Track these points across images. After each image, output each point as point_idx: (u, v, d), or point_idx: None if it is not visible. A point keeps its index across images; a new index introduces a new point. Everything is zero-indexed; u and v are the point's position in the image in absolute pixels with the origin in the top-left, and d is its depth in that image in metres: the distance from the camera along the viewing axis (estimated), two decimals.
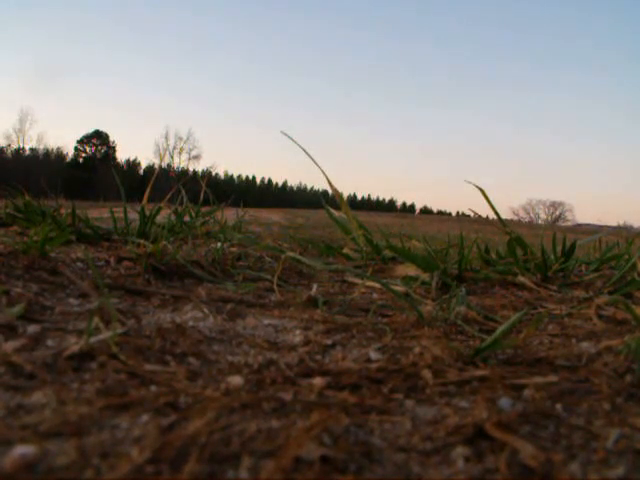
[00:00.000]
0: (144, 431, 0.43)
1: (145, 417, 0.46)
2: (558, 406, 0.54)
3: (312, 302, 1.05)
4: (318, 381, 0.58)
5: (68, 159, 51.82)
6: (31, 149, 48.27)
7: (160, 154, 52.67)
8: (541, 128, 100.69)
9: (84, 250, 1.34)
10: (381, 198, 79.58)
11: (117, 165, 51.75)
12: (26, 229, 1.75)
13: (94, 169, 46.48)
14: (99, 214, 2.43)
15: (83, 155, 52.36)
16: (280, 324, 0.87)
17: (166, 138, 51.89)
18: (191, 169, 52.08)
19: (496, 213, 1.62)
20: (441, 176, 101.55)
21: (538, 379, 0.60)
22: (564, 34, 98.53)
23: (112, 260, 1.26)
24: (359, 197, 77.86)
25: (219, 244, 1.55)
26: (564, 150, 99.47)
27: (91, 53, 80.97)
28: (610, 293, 1.30)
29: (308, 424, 0.45)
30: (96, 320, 0.70)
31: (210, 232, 2.17)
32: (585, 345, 0.78)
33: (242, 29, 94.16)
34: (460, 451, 0.44)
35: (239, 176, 69.17)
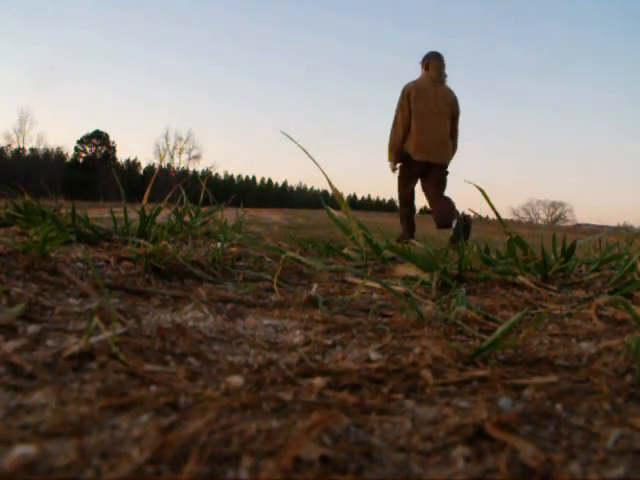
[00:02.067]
0: (144, 431, 0.43)
1: (145, 417, 0.46)
2: (558, 406, 0.54)
3: (312, 302, 1.05)
4: (318, 381, 0.58)
5: (68, 159, 51.84)
6: (31, 149, 48.32)
7: (160, 154, 52.67)
8: (541, 128, 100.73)
9: (84, 250, 1.34)
10: (381, 198, 79.61)
11: (117, 165, 51.75)
12: (26, 229, 1.75)
13: (94, 169, 46.48)
14: (99, 214, 2.44)
15: (83, 155, 52.38)
16: (280, 324, 0.87)
17: (166, 138, 51.91)
18: (191, 169, 52.09)
19: (496, 213, 1.62)
20: None
21: (538, 379, 0.60)
22: (564, 31, 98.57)
23: (112, 260, 1.26)
24: (359, 197, 77.87)
25: (219, 244, 1.55)
26: (565, 150, 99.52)
27: (91, 53, 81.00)
28: (610, 293, 1.30)
29: (308, 424, 0.45)
30: (96, 320, 0.70)
31: (210, 232, 2.17)
32: (585, 345, 0.78)
33: (242, 28, 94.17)
34: (460, 451, 0.44)
35: (239, 176, 69.20)
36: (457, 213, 4.05)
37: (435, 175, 4.20)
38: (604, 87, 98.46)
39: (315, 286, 1.20)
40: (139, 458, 0.38)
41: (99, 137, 52.85)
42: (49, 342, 0.64)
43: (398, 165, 4.30)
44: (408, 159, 4.17)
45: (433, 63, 4.27)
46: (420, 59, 4.36)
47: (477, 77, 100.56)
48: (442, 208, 4.07)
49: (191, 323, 0.82)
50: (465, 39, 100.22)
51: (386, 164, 4.36)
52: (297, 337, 0.79)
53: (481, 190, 1.59)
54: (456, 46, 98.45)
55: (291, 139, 1.51)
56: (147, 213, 1.81)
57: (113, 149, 53.34)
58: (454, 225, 3.84)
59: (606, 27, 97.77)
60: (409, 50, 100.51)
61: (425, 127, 4.09)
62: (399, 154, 4.20)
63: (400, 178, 4.27)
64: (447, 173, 4.31)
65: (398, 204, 4.35)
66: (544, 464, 0.41)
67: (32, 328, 0.68)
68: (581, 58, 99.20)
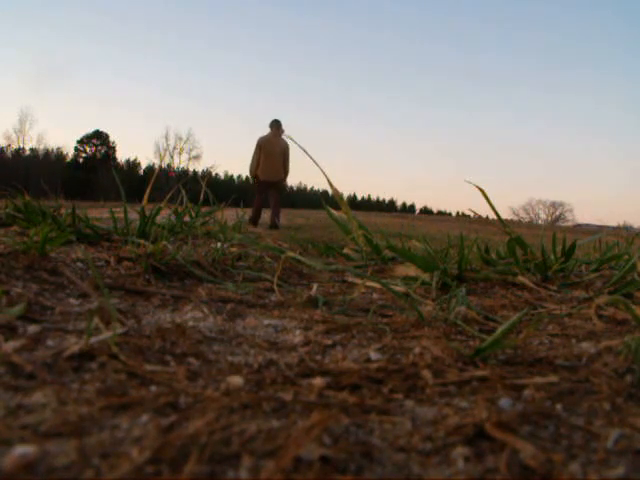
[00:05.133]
0: (144, 431, 0.43)
1: (145, 417, 0.46)
2: (558, 406, 0.54)
3: (312, 302, 1.05)
4: (318, 381, 0.58)
5: (68, 159, 51.79)
6: (31, 149, 48.24)
7: (160, 154, 52.52)
8: (541, 128, 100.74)
9: (84, 250, 1.34)
10: (381, 198, 79.58)
11: (117, 165, 51.69)
12: (26, 229, 1.75)
13: (94, 169, 46.44)
14: (99, 214, 2.43)
15: (83, 155, 52.34)
16: (280, 324, 0.87)
17: (166, 138, 51.81)
18: (191, 169, 52.05)
19: (496, 213, 1.62)
20: (441, 176, 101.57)
21: (538, 379, 0.60)
22: (565, 33, 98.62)
23: (112, 260, 1.26)
24: (359, 197, 77.83)
25: (219, 244, 1.55)
26: (565, 150, 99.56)
27: (91, 53, 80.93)
28: (610, 293, 1.30)
29: (308, 424, 0.45)
30: (96, 320, 0.70)
31: (210, 232, 2.18)
32: (585, 345, 0.78)
33: (242, 29, 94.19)
34: (460, 451, 0.44)
35: (239, 176, 69.07)
36: (279, 213, 7.66)
37: (273, 189, 7.70)
38: (605, 86, 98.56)
39: (315, 286, 1.20)
40: (139, 458, 0.38)
41: (99, 137, 52.79)
42: (49, 342, 0.64)
43: (256, 182, 7.72)
44: (259, 179, 7.61)
45: (275, 126, 7.65)
46: (269, 123, 7.75)
47: (479, 81, 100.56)
48: (275, 212, 7.59)
49: (191, 323, 0.82)
50: (471, 46, 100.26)
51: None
52: (297, 337, 0.79)
53: (481, 190, 1.59)
54: (461, 53, 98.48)
55: (291, 139, 1.51)
56: (147, 213, 1.82)
57: (113, 149, 53.30)
58: (277, 221, 7.29)
59: (604, 33, 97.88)
60: (411, 60, 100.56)
61: (267, 162, 7.54)
62: (255, 176, 7.64)
63: (257, 189, 7.72)
64: (279, 188, 7.82)
65: (255, 203, 7.83)
66: (544, 464, 0.41)
67: (32, 328, 0.68)
68: (581, 61, 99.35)
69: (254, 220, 7.58)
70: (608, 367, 0.65)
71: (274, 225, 7.11)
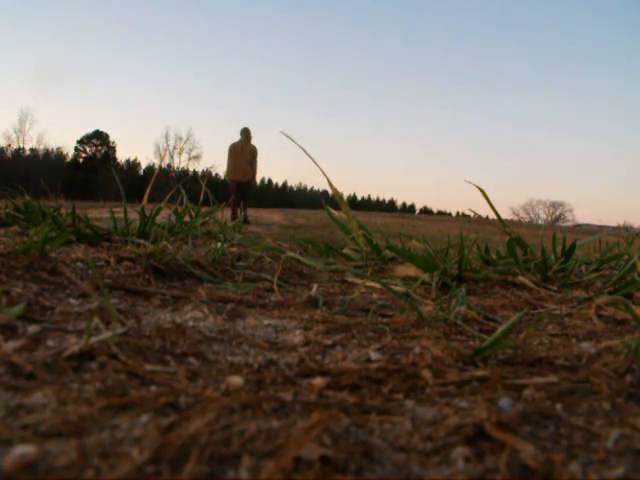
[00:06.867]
0: (144, 431, 0.43)
1: (145, 417, 0.46)
2: (558, 406, 0.54)
3: (312, 302, 1.05)
4: (318, 381, 0.58)
5: (68, 159, 51.76)
6: (31, 149, 48.20)
7: (160, 154, 52.40)
8: (541, 128, 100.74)
9: (84, 250, 1.34)
10: (381, 198, 79.55)
11: (117, 165, 51.66)
12: (26, 229, 1.75)
13: (94, 169, 46.39)
14: (99, 214, 2.43)
15: (83, 155, 52.31)
16: (280, 324, 0.87)
17: (166, 138, 51.72)
18: (191, 169, 51.99)
19: (496, 213, 1.62)
20: (441, 176, 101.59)
21: (538, 379, 0.60)
22: (563, 34, 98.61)
23: (112, 260, 1.26)
24: (359, 197, 77.79)
25: (219, 244, 1.55)
26: (564, 150, 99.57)
27: (91, 53, 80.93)
28: (610, 293, 1.30)
29: (308, 424, 0.45)
30: (96, 320, 0.70)
31: (210, 232, 2.18)
32: (585, 345, 0.78)
33: (241, 29, 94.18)
34: (460, 451, 0.44)
35: None
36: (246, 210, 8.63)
37: (242, 187, 9.15)
38: (604, 87, 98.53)
39: (315, 286, 1.20)
40: (139, 458, 0.38)
41: (99, 137, 52.75)
42: (49, 342, 0.64)
43: (230, 181, 9.24)
44: (230, 178, 9.14)
45: (244, 134, 9.21)
46: (239, 130, 9.36)
47: (479, 82, 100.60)
48: (244, 208, 8.49)
49: (191, 323, 0.82)
50: (472, 47, 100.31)
51: None
52: (297, 337, 0.79)
53: (481, 190, 1.59)
54: (465, 57, 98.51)
55: (291, 139, 1.51)
56: (147, 213, 1.82)
57: (113, 149, 53.26)
58: (246, 216, 8.12)
59: (602, 35, 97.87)
60: (410, 60, 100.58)
61: (236, 164, 9.06)
62: (229, 176, 9.18)
63: (232, 188, 9.11)
64: (248, 186, 9.26)
65: (231, 201, 9.03)
66: (544, 464, 0.41)
67: (32, 328, 0.68)
68: (581, 61, 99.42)
69: (233, 216, 8.65)
70: (608, 367, 0.65)
71: (246, 220, 8.09)
